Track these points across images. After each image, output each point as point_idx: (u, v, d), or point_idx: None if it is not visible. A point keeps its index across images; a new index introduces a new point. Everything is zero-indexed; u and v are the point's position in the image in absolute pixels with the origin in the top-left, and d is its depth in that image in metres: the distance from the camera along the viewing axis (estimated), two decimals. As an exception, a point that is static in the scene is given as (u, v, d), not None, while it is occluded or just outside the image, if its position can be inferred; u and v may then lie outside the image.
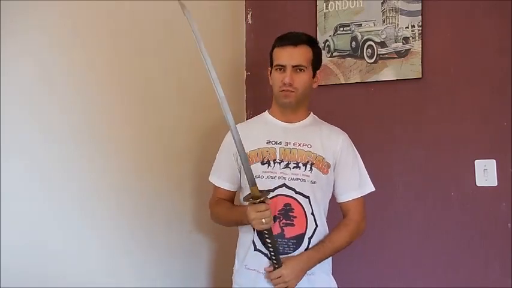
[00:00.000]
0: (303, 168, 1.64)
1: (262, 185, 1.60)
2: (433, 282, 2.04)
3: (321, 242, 1.64)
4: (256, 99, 2.39)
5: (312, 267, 1.61)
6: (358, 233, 1.70)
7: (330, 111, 2.24)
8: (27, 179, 1.37)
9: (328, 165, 1.67)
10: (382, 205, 2.14)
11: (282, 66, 1.64)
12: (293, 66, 1.63)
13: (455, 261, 2.01)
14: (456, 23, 2.03)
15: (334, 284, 1.71)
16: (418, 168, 2.09)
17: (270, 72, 1.72)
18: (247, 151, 1.65)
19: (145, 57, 1.79)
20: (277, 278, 1.57)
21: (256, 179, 1.59)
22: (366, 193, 1.73)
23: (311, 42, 1.69)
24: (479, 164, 1.97)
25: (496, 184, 1.94)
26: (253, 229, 1.62)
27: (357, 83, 2.20)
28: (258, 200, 1.52)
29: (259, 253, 1.63)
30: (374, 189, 1.73)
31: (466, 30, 2.01)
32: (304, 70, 1.64)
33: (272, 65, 1.70)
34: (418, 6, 2.07)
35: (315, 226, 1.64)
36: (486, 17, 1.97)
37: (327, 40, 2.25)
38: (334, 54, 2.24)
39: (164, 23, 1.88)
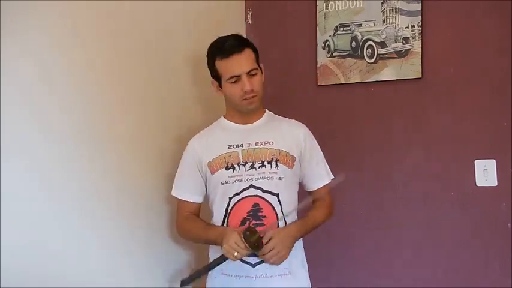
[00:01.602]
0: (268, 166, 1.64)
1: (230, 189, 1.63)
2: (433, 282, 2.04)
3: (304, 217, 1.67)
4: (256, 99, 2.39)
5: (299, 238, 1.64)
6: (331, 213, 1.75)
7: (330, 111, 2.25)
8: (27, 179, 1.37)
9: (293, 159, 1.67)
10: (382, 205, 2.14)
11: (235, 76, 1.61)
12: (247, 73, 1.61)
13: (455, 261, 2.01)
14: (456, 23, 2.03)
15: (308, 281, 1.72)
16: (418, 168, 2.08)
17: (219, 86, 1.67)
18: (210, 159, 1.66)
19: (145, 57, 1.79)
20: (270, 251, 1.53)
21: (223, 184, 1.63)
22: (329, 180, 1.75)
23: (247, 43, 1.67)
24: (479, 164, 1.97)
25: (496, 184, 1.94)
26: None
27: (357, 83, 2.20)
28: (250, 241, 1.49)
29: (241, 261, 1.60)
30: (333, 176, 1.76)
31: (466, 30, 2.01)
32: (257, 72, 1.64)
33: (218, 78, 1.66)
34: (418, 6, 2.07)
35: (285, 224, 1.63)
36: (486, 17, 1.97)
37: (327, 40, 2.24)
38: (334, 54, 2.23)
39: (164, 23, 1.88)
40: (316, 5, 2.27)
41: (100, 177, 1.59)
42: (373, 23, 2.16)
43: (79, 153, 1.52)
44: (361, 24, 2.18)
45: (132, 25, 1.73)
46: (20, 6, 1.34)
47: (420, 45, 2.06)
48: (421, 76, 2.07)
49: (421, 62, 2.06)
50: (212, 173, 1.67)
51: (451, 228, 2.02)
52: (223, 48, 1.63)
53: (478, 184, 1.97)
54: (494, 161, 1.95)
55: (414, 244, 2.09)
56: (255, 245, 1.50)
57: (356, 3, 2.20)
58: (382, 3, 2.14)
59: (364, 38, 2.17)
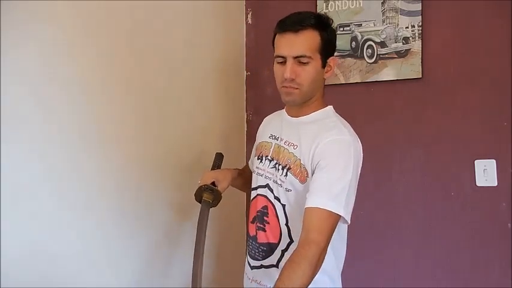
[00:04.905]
0: (280, 171, 1.44)
1: (254, 179, 1.58)
2: (433, 282, 2.04)
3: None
4: (256, 99, 2.39)
5: None
6: (313, 272, 1.23)
7: (330, 111, 2.24)
8: (28, 179, 1.37)
9: (307, 172, 1.39)
10: (382, 205, 2.14)
11: (282, 57, 1.40)
12: (294, 58, 1.37)
13: (455, 262, 2.01)
14: (456, 23, 2.02)
15: None
16: (418, 168, 2.08)
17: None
18: (258, 142, 1.62)
19: (144, 57, 1.79)
20: None
21: (253, 173, 1.60)
22: (329, 209, 1.27)
23: (319, 24, 1.40)
24: (479, 164, 1.97)
25: (496, 184, 1.94)
26: (246, 238, 1.62)
27: (357, 83, 2.20)
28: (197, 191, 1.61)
29: (247, 257, 1.60)
30: (342, 214, 1.30)
31: (466, 30, 2.01)
32: (309, 62, 1.38)
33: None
34: (418, 6, 2.07)
35: (289, 240, 1.43)
36: (486, 17, 1.97)
37: (327, 40, 2.24)
38: (334, 54, 2.23)
39: (164, 23, 1.88)
40: (316, 5, 2.27)
41: (101, 178, 1.60)
42: (373, 23, 2.16)
43: (80, 153, 1.53)
44: (361, 24, 2.18)
45: (132, 26, 1.73)
46: (21, 5, 1.34)
47: (420, 45, 2.06)
48: (421, 76, 2.07)
49: (421, 62, 2.06)
50: (254, 156, 1.62)
51: (451, 228, 2.02)
52: (284, 21, 1.41)
53: (478, 184, 1.97)
54: (494, 161, 1.95)
55: (414, 244, 2.09)
56: (195, 196, 1.61)
57: (356, 3, 2.20)
58: (382, 3, 2.14)
59: (364, 38, 2.17)
